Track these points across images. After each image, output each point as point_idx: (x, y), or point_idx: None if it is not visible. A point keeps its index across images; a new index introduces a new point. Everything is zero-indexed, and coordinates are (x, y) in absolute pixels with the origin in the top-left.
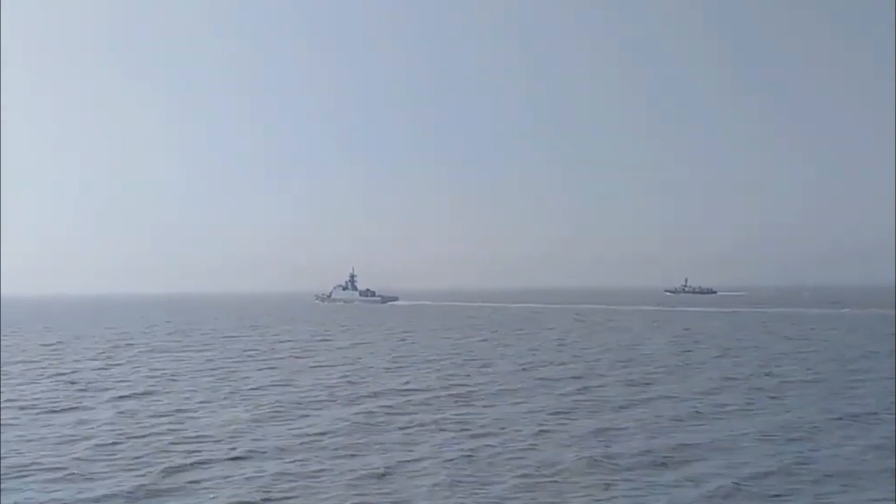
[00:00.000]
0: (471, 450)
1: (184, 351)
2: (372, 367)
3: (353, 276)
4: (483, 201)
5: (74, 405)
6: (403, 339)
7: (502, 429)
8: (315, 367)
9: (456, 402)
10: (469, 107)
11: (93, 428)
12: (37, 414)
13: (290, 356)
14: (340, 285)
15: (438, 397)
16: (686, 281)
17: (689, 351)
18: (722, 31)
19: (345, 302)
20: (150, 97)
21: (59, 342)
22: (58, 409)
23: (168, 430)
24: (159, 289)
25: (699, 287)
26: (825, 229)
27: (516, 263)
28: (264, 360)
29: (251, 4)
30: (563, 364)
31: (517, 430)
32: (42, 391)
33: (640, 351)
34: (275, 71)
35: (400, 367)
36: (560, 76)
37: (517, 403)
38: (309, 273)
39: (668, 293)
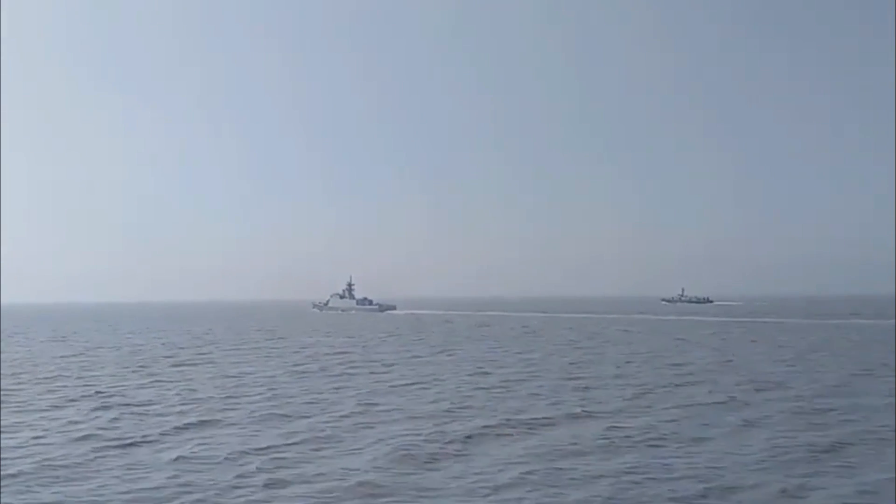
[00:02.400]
0: None
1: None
2: None
3: (350, 285)
4: (463, 210)
5: None
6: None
7: None
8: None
9: None
10: (442, 113)
11: None
12: None
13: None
14: (338, 294)
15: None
16: (683, 290)
17: None
18: (713, 30)
19: (342, 311)
20: (120, 104)
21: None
22: None
23: None
24: (120, 298)
25: (695, 297)
26: (813, 238)
27: (500, 272)
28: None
29: (227, 15)
30: None
31: None
32: None
33: None
34: (251, 77)
35: None
36: (534, 80)
37: None
38: (289, 281)
39: (664, 302)
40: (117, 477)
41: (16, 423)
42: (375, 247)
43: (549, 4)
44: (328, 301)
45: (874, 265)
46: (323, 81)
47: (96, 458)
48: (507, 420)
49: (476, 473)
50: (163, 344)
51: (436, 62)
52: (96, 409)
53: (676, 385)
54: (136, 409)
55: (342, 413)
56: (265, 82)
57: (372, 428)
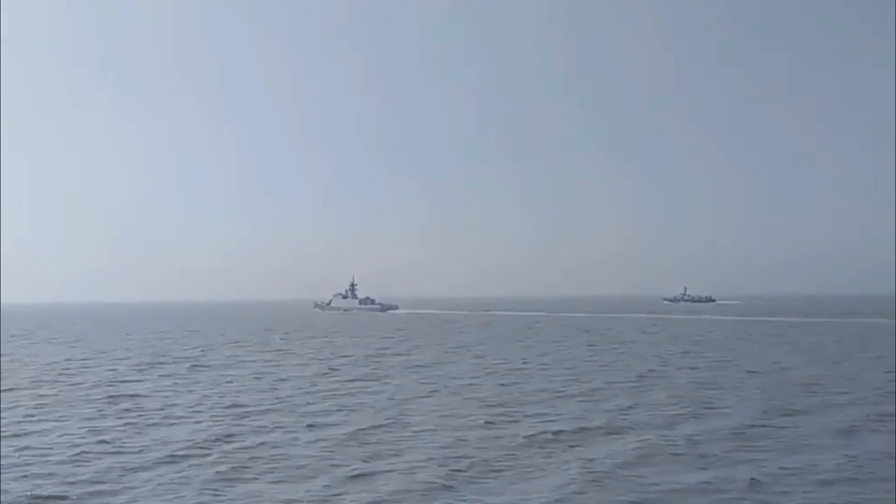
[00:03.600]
0: None
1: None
2: None
3: (353, 285)
4: (463, 210)
5: None
6: None
7: None
8: None
9: None
10: (442, 114)
11: None
12: None
13: None
14: (340, 293)
15: None
16: (685, 289)
17: None
18: (713, 30)
19: (344, 310)
20: (120, 104)
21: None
22: None
23: None
24: (120, 298)
25: (697, 296)
26: (813, 238)
27: (499, 272)
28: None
29: (227, 15)
30: None
31: None
32: None
33: None
34: (251, 77)
35: None
36: (534, 80)
37: None
38: (289, 281)
39: (666, 302)
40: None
41: (37, 433)
42: (375, 247)
43: (549, 5)
44: (330, 301)
45: (874, 265)
46: (323, 82)
47: (133, 475)
48: (582, 428)
49: (578, 492)
50: (179, 346)
51: (436, 62)
52: (125, 417)
53: (737, 387)
54: (171, 418)
55: (399, 417)
56: (265, 83)
57: (437, 434)
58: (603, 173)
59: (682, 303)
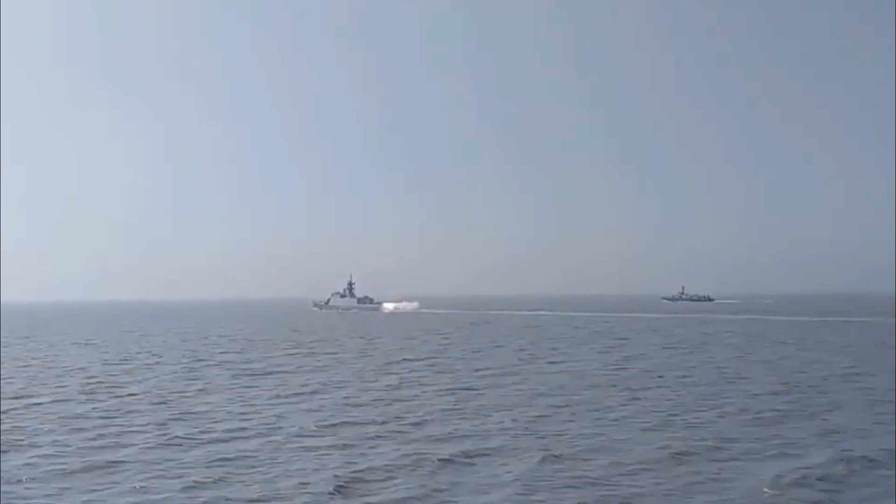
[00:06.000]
0: None
1: None
2: None
3: (351, 284)
4: (464, 210)
5: None
6: None
7: None
8: None
9: None
10: (442, 114)
11: None
12: None
13: None
14: (338, 292)
15: None
16: (683, 289)
17: None
18: (714, 30)
19: (343, 309)
20: (120, 104)
21: None
22: None
23: None
24: (120, 297)
25: (696, 295)
26: (813, 238)
27: (499, 272)
28: None
29: (227, 15)
30: None
31: None
32: None
33: None
34: (251, 77)
35: None
36: (534, 80)
37: None
38: (288, 281)
39: (665, 301)
40: None
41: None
42: (375, 246)
43: (549, 5)
44: (329, 300)
45: (874, 265)
46: (323, 81)
47: None
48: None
49: None
50: (209, 349)
51: (436, 62)
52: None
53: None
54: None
55: (563, 431)
56: (265, 82)
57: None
58: (603, 173)
59: (680, 301)
